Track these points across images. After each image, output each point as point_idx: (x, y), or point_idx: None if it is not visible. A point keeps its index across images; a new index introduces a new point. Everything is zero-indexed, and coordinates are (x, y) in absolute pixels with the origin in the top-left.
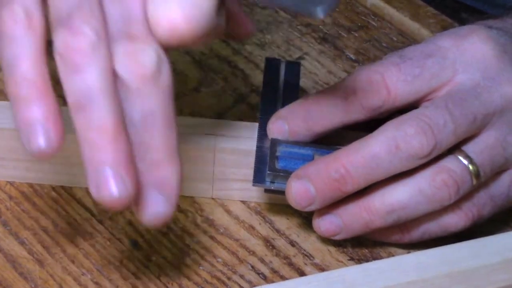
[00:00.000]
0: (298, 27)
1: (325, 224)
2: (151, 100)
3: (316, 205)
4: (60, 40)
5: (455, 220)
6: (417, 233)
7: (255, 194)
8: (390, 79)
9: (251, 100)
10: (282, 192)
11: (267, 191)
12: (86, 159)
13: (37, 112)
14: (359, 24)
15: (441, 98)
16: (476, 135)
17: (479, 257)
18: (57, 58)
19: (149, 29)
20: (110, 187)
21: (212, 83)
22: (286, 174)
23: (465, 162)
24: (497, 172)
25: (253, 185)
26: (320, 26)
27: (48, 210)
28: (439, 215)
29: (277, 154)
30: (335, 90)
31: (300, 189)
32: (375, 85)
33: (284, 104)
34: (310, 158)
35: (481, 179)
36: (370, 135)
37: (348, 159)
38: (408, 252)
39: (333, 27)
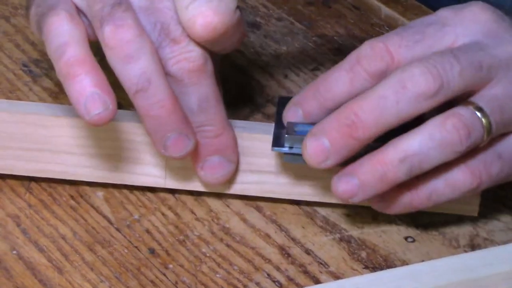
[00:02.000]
0: (313, 38)
1: (342, 184)
2: (203, 87)
3: (332, 159)
4: (107, 35)
5: (462, 178)
6: (426, 192)
7: (269, 187)
8: (392, 46)
9: (266, 110)
10: (300, 156)
11: (286, 156)
12: (151, 132)
13: (91, 84)
14: (374, 35)
15: (447, 48)
16: (484, 87)
17: (491, 265)
18: (108, 52)
19: (185, 32)
20: (178, 147)
21: (228, 93)
22: (304, 137)
23: (477, 112)
24: (505, 133)
25: (272, 150)
26: (335, 38)
27: (67, 218)
28: (445, 171)
29: (295, 128)
30: (341, 64)
31: (315, 144)
32: (378, 52)
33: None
34: None
35: (493, 131)
36: (379, 83)
37: (357, 104)
38: (422, 261)
39: (348, 38)
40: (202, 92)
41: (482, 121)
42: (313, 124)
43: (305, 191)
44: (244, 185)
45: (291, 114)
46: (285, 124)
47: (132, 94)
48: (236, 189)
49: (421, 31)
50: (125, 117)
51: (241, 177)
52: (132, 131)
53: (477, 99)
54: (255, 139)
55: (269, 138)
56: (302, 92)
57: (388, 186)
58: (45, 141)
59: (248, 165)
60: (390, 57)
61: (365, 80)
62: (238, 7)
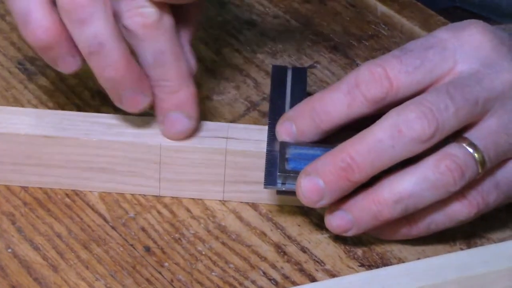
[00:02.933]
0: (310, 36)
1: (336, 220)
2: (158, 42)
3: (327, 199)
4: None
5: (460, 208)
6: (424, 224)
7: (265, 196)
8: (391, 71)
9: (262, 108)
10: (293, 193)
11: (279, 192)
12: (106, 88)
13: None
14: (370, 33)
15: (442, 85)
16: (479, 121)
17: (488, 263)
18: (63, 14)
19: None
20: (133, 103)
21: (224, 91)
22: (296, 174)
23: (469, 149)
24: (503, 160)
25: (265, 187)
26: (331, 35)
27: (62, 216)
28: (444, 204)
29: (287, 156)
30: (338, 85)
31: (309, 184)
32: (377, 77)
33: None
34: (318, 154)
35: (487, 166)
36: (374, 123)
37: (353, 148)
38: (418, 259)
39: (344, 36)
40: (158, 47)
41: (475, 158)
42: (306, 146)
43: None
44: (238, 194)
45: (284, 130)
46: (277, 138)
47: (85, 55)
48: (232, 197)
49: (421, 55)
50: (120, 136)
51: (234, 187)
52: (126, 149)
53: (471, 134)
54: (248, 155)
55: (262, 153)
56: (296, 108)
57: (382, 223)
58: (38, 157)
59: (242, 177)
60: (389, 84)
61: (363, 105)
62: None
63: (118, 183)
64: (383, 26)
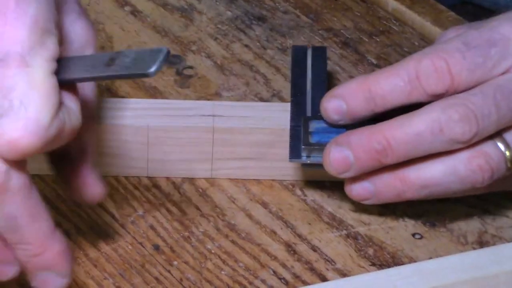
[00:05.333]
0: (320, 31)
1: (358, 188)
2: (7, 207)
3: (351, 173)
4: None
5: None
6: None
7: (254, 172)
8: (454, 67)
9: None
10: (319, 165)
11: (304, 165)
12: None
13: None
14: (381, 29)
15: (491, 86)
16: None
17: (499, 263)
18: None
19: None
20: (3, 274)
21: (234, 87)
22: (321, 147)
23: (503, 148)
24: None
25: (290, 161)
26: (342, 31)
27: (71, 214)
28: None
29: (310, 130)
30: (397, 71)
31: (339, 155)
32: (440, 72)
33: (313, 87)
34: (343, 131)
35: None
36: (415, 112)
37: (391, 132)
38: (430, 258)
39: (355, 31)
40: (7, 212)
41: (506, 157)
42: (329, 128)
43: (288, 173)
44: (229, 170)
45: (332, 107)
46: (323, 114)
47: None
48: (221, 174)
49: (484, 53)
50: (108, 119)
51: (225, 163)
52: (115, 131)
53: (508, 137)
54: (235, 132)
55: (247, 127)
56: (347, 86)
57: (402, 200)
58: None
59: (231, 154)
60: (451, 80)
61: (421, 96)
62: (56, 115)
63: (107, 166)
64: (394, 21)
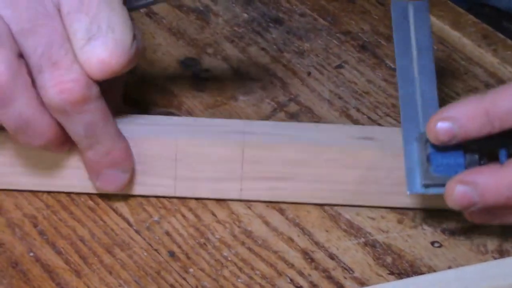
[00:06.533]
0: (337, 34)
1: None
2: (88, 115)
3: (475, 209)
4: None
5: None
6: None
7: (285, 193)
8: None
9: (289, 109)
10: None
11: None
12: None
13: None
14: None
15: None
16: None
17: None
18: None
19: (73, 56)
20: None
21: (250, 91)
22: (442, 180)
23: None
24: None
25: (409, 194)
26: (360, 34)
27: (85, 219)
28: None
29: (428, 152)
30: None
31: (464, 194)
32: None
33: (419, 53)
34: (461, 160)
35: None
36: None
37: None
38: (449, 267)
39: (373, 35)
40: (88, 120)
41: None
42: (446, 154)
43: (318, 195)
44: (256, 191)
45: (446, 130)
46: (432, 135)
47: (11, 132)
48: (247, 195)
49: None
50: (134, 132)
51: (252, 184)
52: (141, 145)
53: None
54: (265, 149)
55: (279, 146)
56: (460, 108)
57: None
58: (50, 160)
59: (259, 173)
60: None
61: None
62: (134, 36)
63: (134, 184)
64: None
